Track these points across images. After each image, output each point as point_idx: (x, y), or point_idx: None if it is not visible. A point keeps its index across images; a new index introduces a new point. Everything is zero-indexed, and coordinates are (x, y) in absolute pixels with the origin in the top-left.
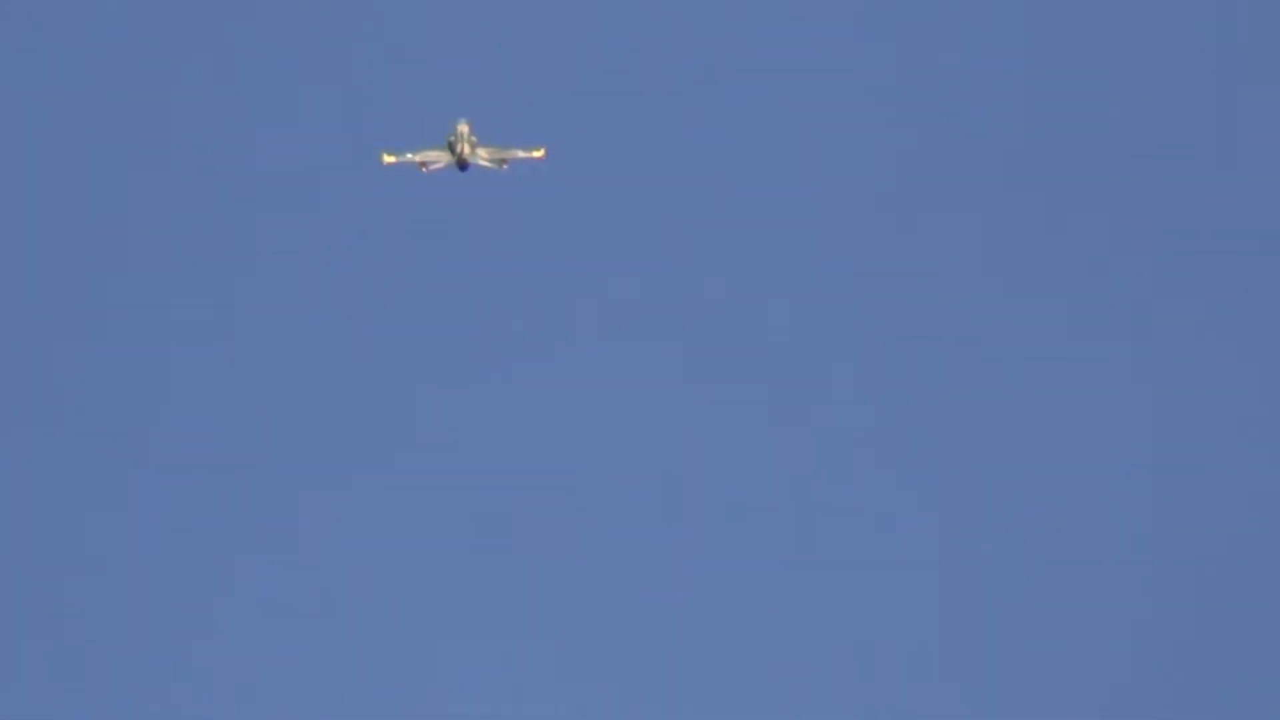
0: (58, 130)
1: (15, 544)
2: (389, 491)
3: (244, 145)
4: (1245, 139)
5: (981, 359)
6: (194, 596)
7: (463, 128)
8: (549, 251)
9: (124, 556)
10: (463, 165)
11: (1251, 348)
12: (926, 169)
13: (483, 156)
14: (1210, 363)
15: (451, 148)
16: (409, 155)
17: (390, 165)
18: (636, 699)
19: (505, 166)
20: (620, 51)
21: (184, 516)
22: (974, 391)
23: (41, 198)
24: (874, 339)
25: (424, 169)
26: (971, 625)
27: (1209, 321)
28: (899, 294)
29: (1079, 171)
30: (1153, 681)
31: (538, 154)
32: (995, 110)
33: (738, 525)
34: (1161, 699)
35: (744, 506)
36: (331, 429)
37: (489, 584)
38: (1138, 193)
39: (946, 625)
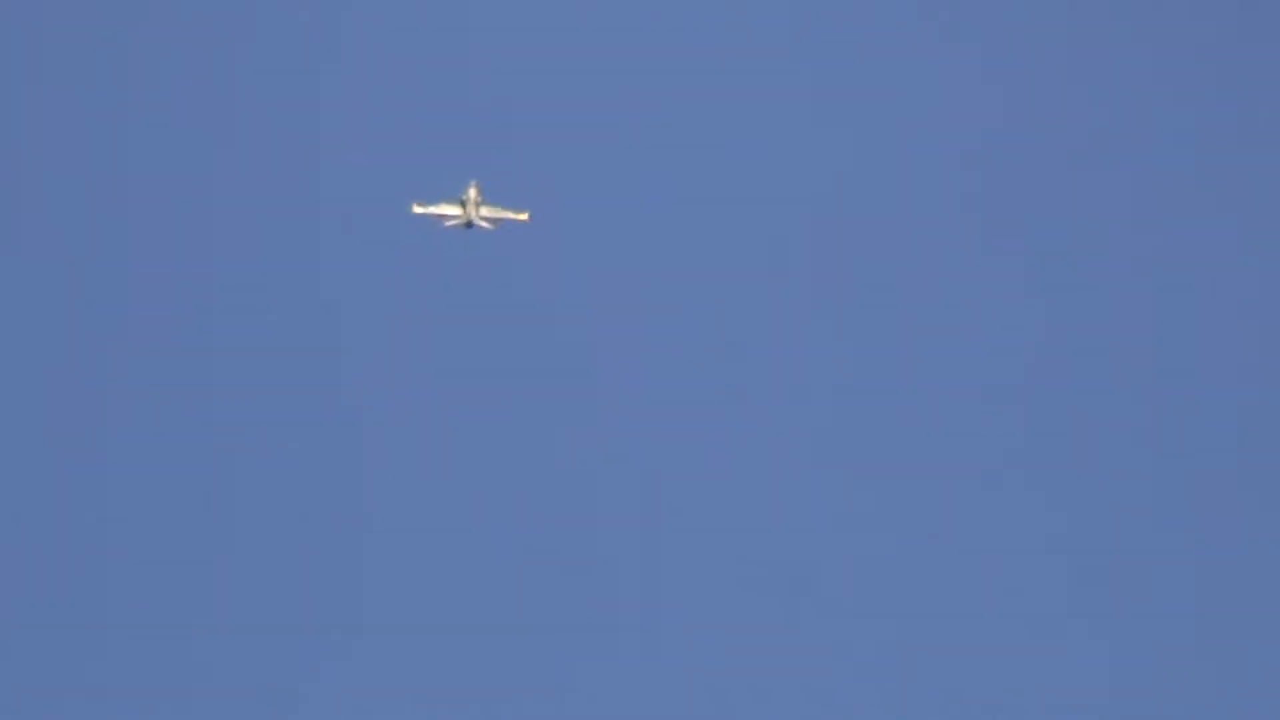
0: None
1: None
2: None
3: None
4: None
5: None
6: None
7: (471, 190)
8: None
9: None
10: (468, 224)
11: None
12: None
13: (482, 216)
14: None
15: (462, 206)
16: (432, 208)
17: (418, 215)
18: None
19: (498, 226)
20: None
21: None
22: None
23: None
24: None
25: (445, 223)
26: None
27: None
28: None
29: None
30: None
31: (523, 216)
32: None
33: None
34: None
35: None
36: None
37: None
38: None
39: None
